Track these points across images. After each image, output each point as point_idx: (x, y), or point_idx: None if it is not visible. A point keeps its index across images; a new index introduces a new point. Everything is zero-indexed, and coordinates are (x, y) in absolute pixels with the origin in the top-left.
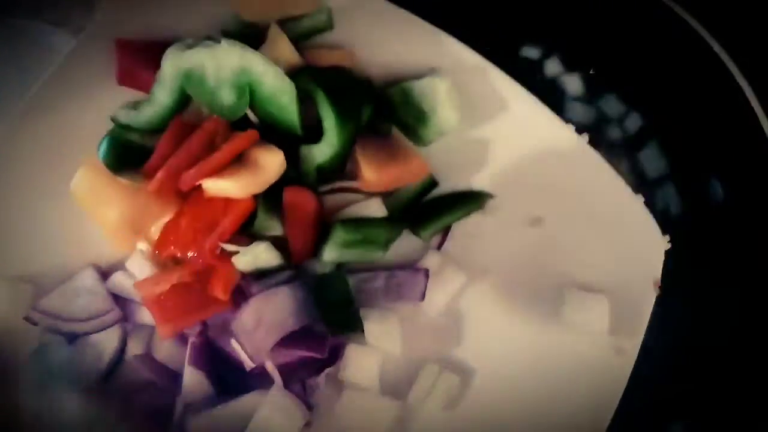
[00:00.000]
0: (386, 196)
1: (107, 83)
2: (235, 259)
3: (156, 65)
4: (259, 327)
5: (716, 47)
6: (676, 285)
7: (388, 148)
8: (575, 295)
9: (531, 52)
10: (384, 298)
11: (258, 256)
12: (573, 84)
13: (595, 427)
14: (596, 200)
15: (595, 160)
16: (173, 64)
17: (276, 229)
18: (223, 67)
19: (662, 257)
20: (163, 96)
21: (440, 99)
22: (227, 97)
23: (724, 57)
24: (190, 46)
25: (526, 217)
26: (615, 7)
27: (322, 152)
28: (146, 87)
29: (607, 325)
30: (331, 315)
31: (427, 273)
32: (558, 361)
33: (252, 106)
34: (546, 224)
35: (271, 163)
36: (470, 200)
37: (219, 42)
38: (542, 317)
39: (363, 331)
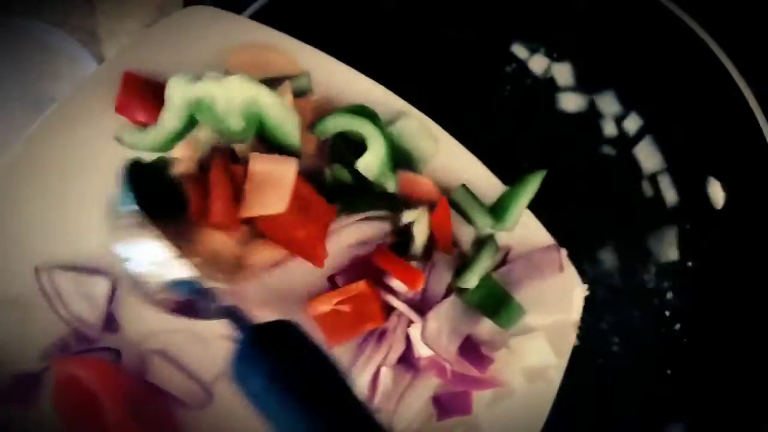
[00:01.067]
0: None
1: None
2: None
3: (152, 101)
4: (442, 333)
5: (715, 48)
6: (675, 285)
7: None
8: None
9: (522, 51)
10: (528, 280)
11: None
12: (564, 76)
13: None
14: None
15: None
16: (182, 92)
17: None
18: (232, 97)
19: (582, 302)
20: (171, 121)
21: (415, 134)
22: (236, 124)
23: (723, 57)
24: (195, 78)
25: None
26: (613, 6)
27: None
28: (138, 118)
29: (551, 353)
30: (496, 314)
31: (558, 247)
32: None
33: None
34: None
35: (287, 171)
36: None
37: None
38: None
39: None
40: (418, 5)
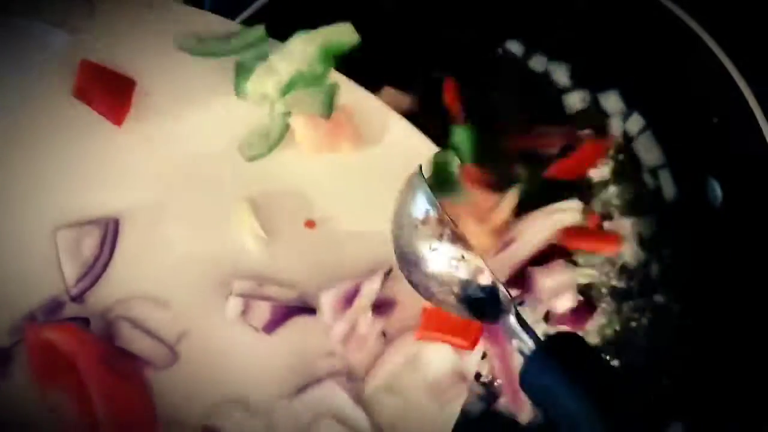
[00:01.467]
0: None
1: None
2: None
3: (106, 87)
4: None
5: (715, 48)
6: (674, 285)
7: None
8: None
9: (521, 51)
10: None
11: None
12: (563, 76)
13: None
14: None
15: None
16: (282, 105)
17: None
18: (304, 54)
19: None
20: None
21: None
22: (318, 69)
23: (723, 57)
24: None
25: None
26: (613, 6)
27: None
28: (94, 105)
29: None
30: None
31: None
32: None
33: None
34: None
35: None
36: None
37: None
38: None
39: None
40: (416, 5)
